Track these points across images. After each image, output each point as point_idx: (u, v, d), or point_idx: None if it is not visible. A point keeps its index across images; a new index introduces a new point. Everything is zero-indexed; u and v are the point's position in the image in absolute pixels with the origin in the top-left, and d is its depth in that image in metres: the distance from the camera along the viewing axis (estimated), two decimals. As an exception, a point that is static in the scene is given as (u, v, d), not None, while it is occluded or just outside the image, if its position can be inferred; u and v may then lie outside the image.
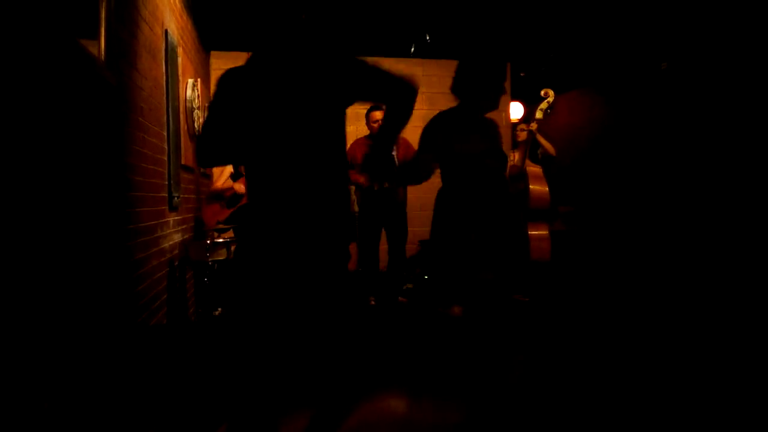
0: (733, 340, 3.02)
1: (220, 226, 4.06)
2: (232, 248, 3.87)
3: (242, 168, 4.47)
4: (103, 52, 2.13)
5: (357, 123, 5.70)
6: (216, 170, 5.29)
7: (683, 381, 2.46)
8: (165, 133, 3.30)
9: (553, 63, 6.32)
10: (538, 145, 4.52)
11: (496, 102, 3.18)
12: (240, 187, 4.37)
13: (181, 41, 3.92)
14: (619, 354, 2.89)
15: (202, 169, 4.78)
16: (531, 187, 4.08)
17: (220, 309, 3.96)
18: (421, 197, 4.96)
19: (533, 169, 4.24)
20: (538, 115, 4.29)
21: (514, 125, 5.33)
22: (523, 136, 4.68)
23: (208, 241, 3.72)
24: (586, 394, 2.34)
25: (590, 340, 3.22)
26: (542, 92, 4.34)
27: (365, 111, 4.74)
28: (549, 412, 2.18)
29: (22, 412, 1.38)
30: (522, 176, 4.21)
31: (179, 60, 3.76)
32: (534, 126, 4.27)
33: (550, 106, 4.31)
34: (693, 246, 4.61)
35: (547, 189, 4.12)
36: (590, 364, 2.75)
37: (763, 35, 4.19)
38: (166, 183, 3.30)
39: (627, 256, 5.13)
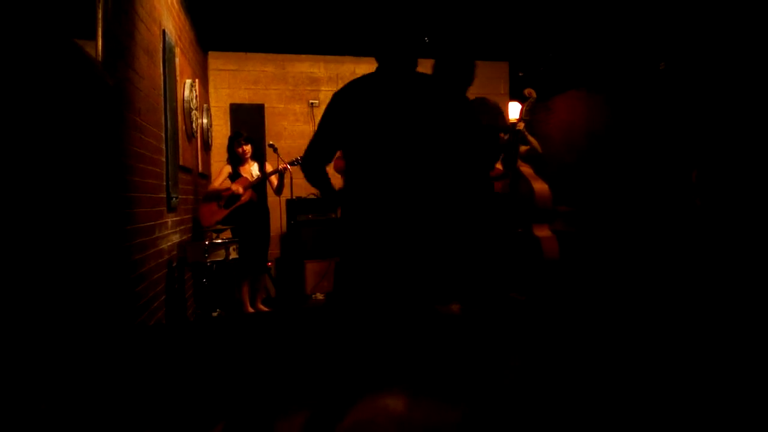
0: (734, 339, 3.02)
1: (218, 226, 4.06)
2: (231, 249, 3.87)
3: (241, 169, 4.48)
4: (100, 53, 2.13)
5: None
6: (215, 171, 5.29)
7: (679, 378, 2.46)
8: (163, 134, 3.30)
9: (551, 63, 6.33)
10: (524, 143, 4.53)
11: None
12: (237, 187, 4.37)
13: (178, 41, 3.92)
14: (614, 353, 2.89)
15: (199, 170, 4.78)
16: (535, 186, 4.08)
17: (218, 310, 3.97)
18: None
19: (527, 169, 4.25)
20: (524, 115, 4.36)
21: (512, 125, 5.34)
22: (503, 137, 4.70)
23: (207, 242, 3.72)
24: (582, 392, 2.34)
25: (587, 339, 3.22)
26: (525, 92, 4.42)
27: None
28: (546, 411, 2.18)
29: (20, 413, 1.38)
30: (518, 177, 4.21)
31: (177, 60, 3.76)
32: (522, 125, 4.31)
33: (534, 105, 4.40)
34: (692, 245, 4.61)
35: (547, 186, 4.13)
36: (586, 363, 2.76)
37: (762, 35, 4.20)
38: (164, 184, 3.29)
39: (626, 256, 5.14)
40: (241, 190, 4.36)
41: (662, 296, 4.22)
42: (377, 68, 2.16)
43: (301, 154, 4.82)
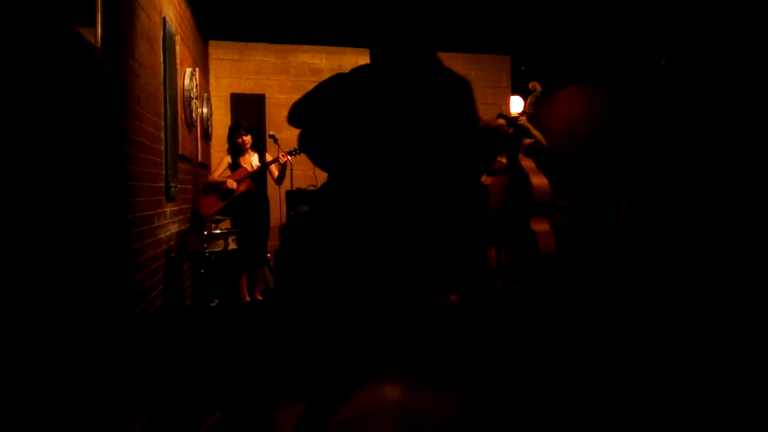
0: (734, 336, 3.02)
1: (217, 217, 4.05)
2: (230, 239, 3.87)
3: (241, 160, 4.47)
4: (99, 40, 2.11)
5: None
6: (215, 161, 5.28)
7: (678, 375, 2.46)
8: (162, 123, 3.29)
9: (553, 57, 6.31)
10: (527, 137, 4.52)
11: None
12: (232, 183, 4.34)
13: (179, 30, 3.89)
14: (612, 346, 2.89)
15: (199, 160, 4.76)
16: (533, 181, 4.07)
17: (216, 301, 3.97)
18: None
19: (528, 163, 4.23)
20: (528, 108, 4.35)
21: (514, 119, 5.31)
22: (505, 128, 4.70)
23: (205, 233, 3.72)
24: (581, 384, 2.34)
25: (586, 330, 3.23)
26: (530, 85, 4.42)
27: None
28: (545, 401, 2.18)
29: (21, 399, 1.38)
30: (518, 171, 4.20)
31: (177, 49, 3.73)
32: (523, 119, 4.31)
33: (538, 98, 4.38)
34: (691, 240, 4.61)
35: (546, 181, 4.12)
36: (585, 354, 2.76)
37: (763, 32, 4.17)
38: (164, 173, 3.28)
39: (625, 249, 5.14)
40: (234, 185, 4.34)
41: (662, 290, 4.21)
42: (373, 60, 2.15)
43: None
